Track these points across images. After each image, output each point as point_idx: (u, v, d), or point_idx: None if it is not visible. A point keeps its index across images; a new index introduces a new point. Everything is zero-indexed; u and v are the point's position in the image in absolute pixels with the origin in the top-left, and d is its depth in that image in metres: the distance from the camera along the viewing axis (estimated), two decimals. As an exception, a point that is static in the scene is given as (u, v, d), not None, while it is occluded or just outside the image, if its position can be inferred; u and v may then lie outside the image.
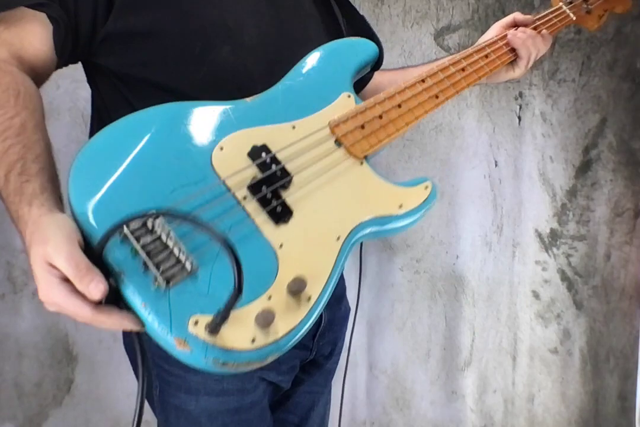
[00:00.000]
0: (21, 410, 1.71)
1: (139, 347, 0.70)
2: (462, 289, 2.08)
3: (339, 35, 1.05)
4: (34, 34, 0.83)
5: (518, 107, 2.03)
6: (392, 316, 2.07)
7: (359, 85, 1.19)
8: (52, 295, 0.65)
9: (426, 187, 0.92)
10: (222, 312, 0.67)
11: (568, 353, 2.09)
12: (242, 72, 0.91)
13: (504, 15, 1.95)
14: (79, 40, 0.86)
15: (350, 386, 2.06)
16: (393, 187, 0.90)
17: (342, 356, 1.26)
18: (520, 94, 2.02)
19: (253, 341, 0.70)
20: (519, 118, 2.03)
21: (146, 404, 0.94)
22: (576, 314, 2.07)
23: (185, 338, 0.67)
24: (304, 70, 0.92)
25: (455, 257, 2.07)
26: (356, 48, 0.97)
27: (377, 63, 0.99)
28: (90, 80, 0.96)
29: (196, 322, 0.68)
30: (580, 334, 2.08)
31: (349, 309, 1.20)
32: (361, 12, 1.15)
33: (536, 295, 2.08)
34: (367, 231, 0.87)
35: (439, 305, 2.08)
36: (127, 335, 0.96)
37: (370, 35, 1.04)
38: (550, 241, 2.05)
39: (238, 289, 0.67)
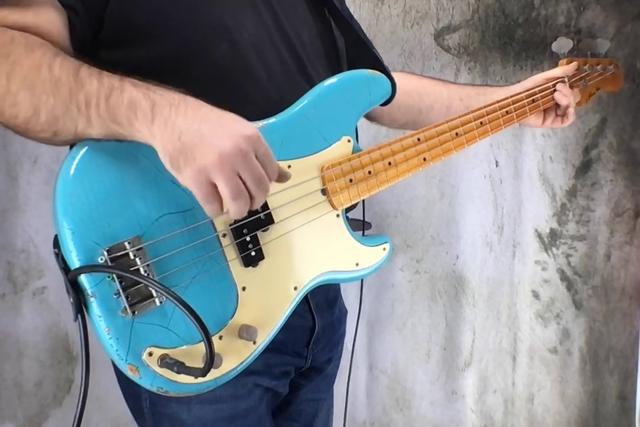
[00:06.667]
0: (21, 410, 1.71)
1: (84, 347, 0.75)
2: (462, 289, 2.08)
3: (332, 42, 1.05)
4: (50, 23, 0.75)
5: (518, 107, 2.03)
6: (392, 316, 2.07)
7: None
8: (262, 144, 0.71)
9: (384, 249, 0.99)
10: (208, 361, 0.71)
11: (567, 353, 2.09)
12: (242, 68, 0.89)
13: (504, 15, 1.96)
14: (88, 33, 0.80)
15: (351, 386, 2.06)
16: (356, 245, 0.96)
17: (344, 357, 1.26)
18: (520, 94, 2.02)
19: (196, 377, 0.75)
20: (519, 118, 2.03)
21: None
22: (575, 313, 2.07)
23: (137, 366, 0.72)
24: (317, 101, 0.92)
25: (456, 257, 2.06)
26: (371, 87, 0.97)
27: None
28: None
29: (150, 354, 0.73)
30: (579, 333, 2.08)
31: (345, 311, 1.18)
32: (361, 12, 1.14)
33: (536, 295, 2.08)
34: (319, 280, 0.91)
35: (439, 305, 2.08)
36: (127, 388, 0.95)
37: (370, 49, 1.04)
38: (549, 240, 2.05)
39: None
